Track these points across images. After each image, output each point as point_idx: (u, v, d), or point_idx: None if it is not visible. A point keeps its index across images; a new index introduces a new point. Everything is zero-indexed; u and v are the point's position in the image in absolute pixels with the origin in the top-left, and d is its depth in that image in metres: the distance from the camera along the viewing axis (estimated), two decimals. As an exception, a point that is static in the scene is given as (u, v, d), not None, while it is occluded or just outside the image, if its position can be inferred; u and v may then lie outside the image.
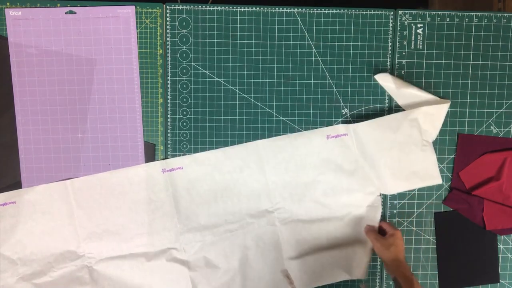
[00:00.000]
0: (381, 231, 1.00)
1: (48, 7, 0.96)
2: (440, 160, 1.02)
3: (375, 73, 1.00)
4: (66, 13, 0.96)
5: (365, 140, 0.98)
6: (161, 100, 1.00)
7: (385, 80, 0.99)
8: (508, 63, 1.01)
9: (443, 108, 0.98)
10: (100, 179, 0.99)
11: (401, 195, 1.03)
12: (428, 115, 0.97)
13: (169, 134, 1.01)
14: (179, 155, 1.01)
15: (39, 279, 0.98)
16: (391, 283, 1.06)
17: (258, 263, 1.01)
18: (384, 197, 1.04)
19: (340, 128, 1.00)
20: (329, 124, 1.01)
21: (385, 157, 0.98)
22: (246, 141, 1.01)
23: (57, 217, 0.98)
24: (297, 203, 1.01)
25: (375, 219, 1.02)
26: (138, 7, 0.97)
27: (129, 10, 0.97)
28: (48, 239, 0.98)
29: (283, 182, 1.01)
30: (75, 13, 0.96)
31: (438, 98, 0.99)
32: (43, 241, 0.98)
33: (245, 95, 1.00)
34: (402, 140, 0.97)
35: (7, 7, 0.96)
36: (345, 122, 1.01)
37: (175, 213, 1.00)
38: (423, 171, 1.00)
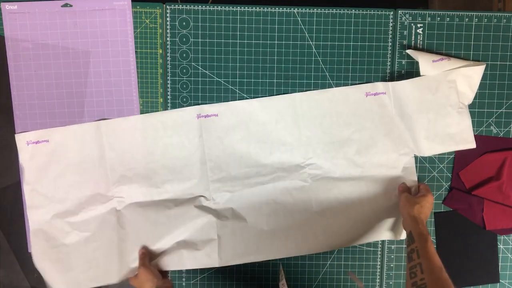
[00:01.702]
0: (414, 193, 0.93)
1: (44, 0, 0.91)
2: (440, 160, 0.97)
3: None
4: (62, 6, 0.92)
5: (403, 99, 0.92)
6: (161, 100, 0.94)
7: (416, 54, 0.92)
8: (508, 63, 0.95)
9: (480, 70, 0.92)
10: (134, 122, 0.92)
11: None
12: (466, 77, 0.91)
13: (168, 133, 0.95)
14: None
15: (71, 218, 0.92)
16: (391, 283, 0.98)
17: (287, 219, 0.93)
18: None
19: (379, 85, 0.93)
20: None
21: (422, 118, 0.92)
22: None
23: (88, 159, 0.92)
24: (330, 160, 0.93)
25: (410, 180, 0.94)
26: (138, 7, 0.92)
27: (125, 2, 0.92)
28: (80, 180, 0.92)
29: (317, 137, 0.93)
30: (71, 6, 0.92)
31: (473, 61, 0.93)
32: (75, 182, 0.92)
33: (245, 95, 0.95)
34: (440, 101, 0.91)
35: (3, 1, 0.91)
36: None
37: (207, 160, 0.92)
38: (459, 134, 0.93)
